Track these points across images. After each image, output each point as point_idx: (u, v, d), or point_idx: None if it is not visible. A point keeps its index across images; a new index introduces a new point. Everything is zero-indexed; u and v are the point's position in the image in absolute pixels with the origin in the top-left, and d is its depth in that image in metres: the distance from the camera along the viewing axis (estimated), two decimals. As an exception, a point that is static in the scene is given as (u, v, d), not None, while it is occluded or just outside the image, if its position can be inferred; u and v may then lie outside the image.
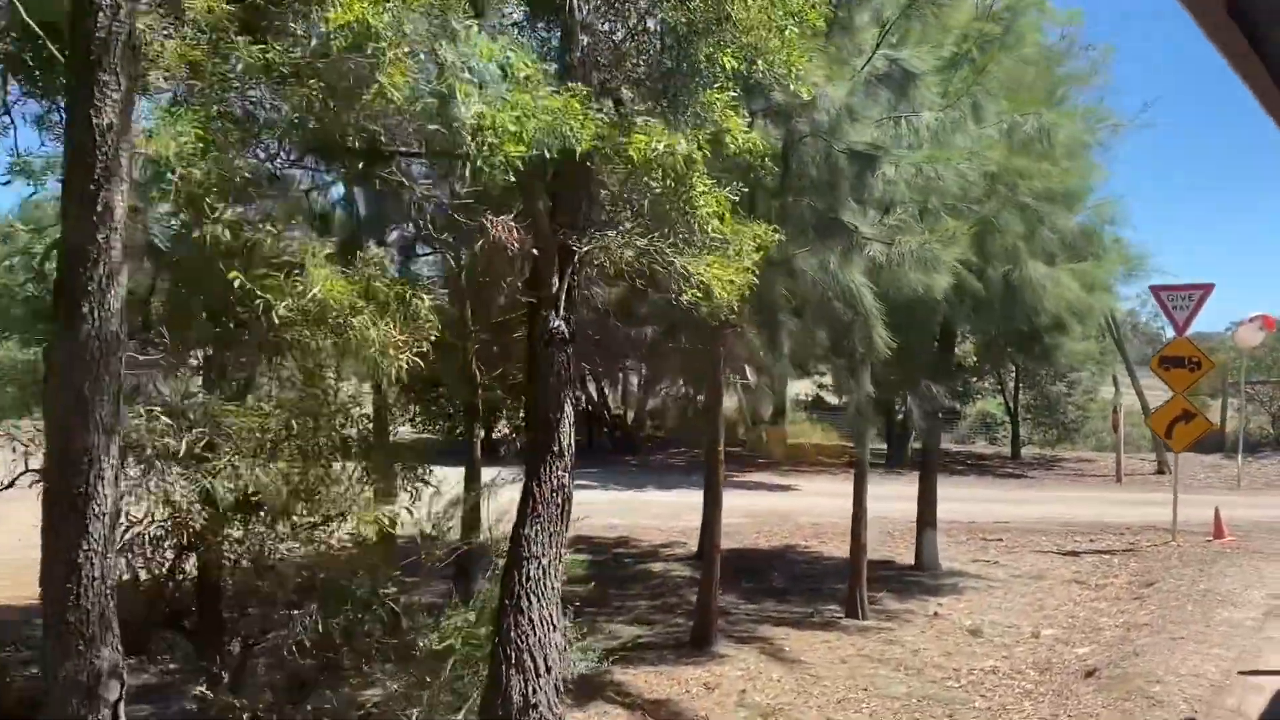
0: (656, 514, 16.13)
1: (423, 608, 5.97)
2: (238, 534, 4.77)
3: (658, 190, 5.29)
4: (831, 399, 31.15)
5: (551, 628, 4.93)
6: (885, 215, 8.86)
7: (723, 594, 10.64)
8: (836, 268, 7.84)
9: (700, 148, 5.26)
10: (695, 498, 18.30)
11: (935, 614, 10.16)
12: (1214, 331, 34.19)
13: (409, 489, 6.63)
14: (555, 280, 5.20)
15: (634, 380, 25.67)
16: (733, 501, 18.28)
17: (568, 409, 5.27)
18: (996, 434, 29.63)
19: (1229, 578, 11.21)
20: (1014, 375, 25.96)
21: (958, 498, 19.14)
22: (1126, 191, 65.20)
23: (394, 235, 7.98)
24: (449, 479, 7.88)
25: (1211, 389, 30.31)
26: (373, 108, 4.51)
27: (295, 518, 4.43)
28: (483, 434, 20.22)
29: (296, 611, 4.72)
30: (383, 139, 4.92)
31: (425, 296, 4.20)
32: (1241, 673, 7.90)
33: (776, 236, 7.13)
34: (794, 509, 16.98)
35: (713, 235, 5.51)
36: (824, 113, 7.70)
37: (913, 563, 12.41)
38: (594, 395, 24.00)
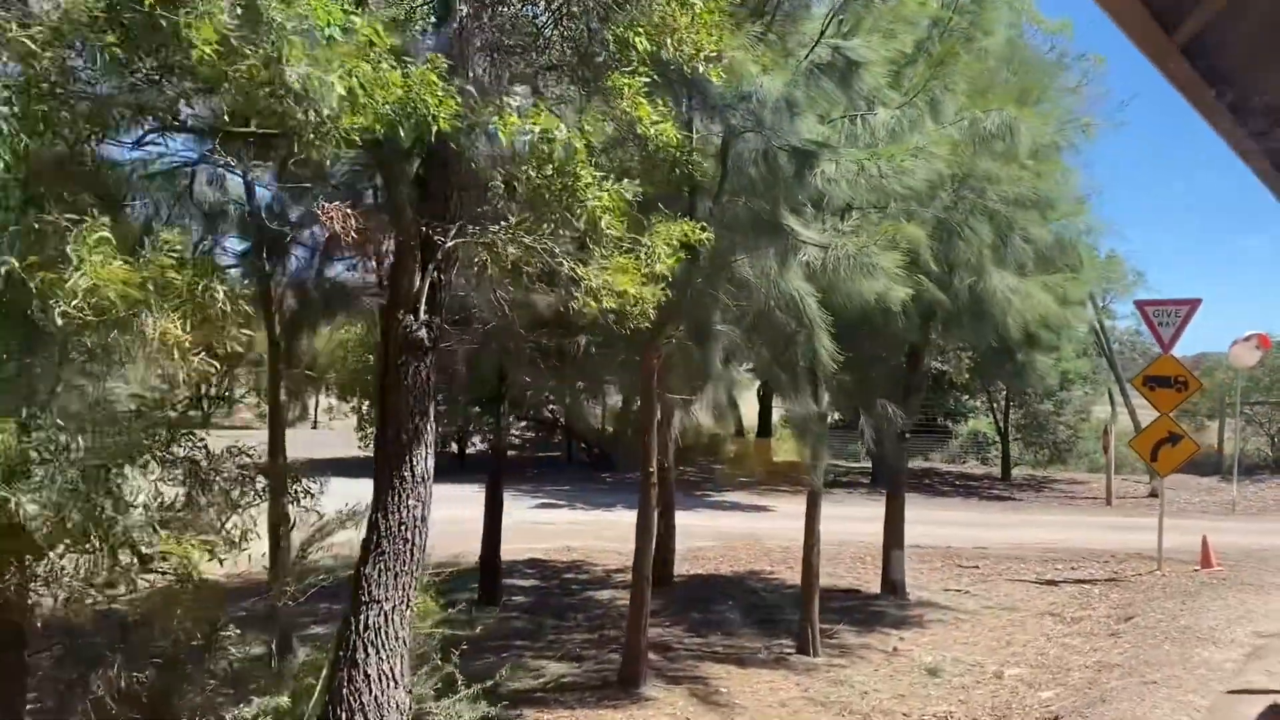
0: (619, 535, 15.37)
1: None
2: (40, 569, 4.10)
3: (536, 181, 4.64)
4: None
5: (393, 683, 4.25)
6: (840, 218, 8.26)
7: (669, 626, 9.97)
8: (776, 274, 7.19)
9: (585, 134, 4.60)
10: (680, 520, 17.64)
11: (894, 649, 9.45)
12: (1218, 351, 33.52)
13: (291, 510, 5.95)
14: (417, 278, 4.53)
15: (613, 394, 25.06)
16: (702, 523, 17.61)
17: (426, 428, 4.60)
18: (988, 454, 28.89)
19: (1212, 612, 10.49)
20: (1004, 393, 25.24)
21: (939, 520, 18.44)
22: (1124, 210, 64.60)
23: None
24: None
25: (1210, 410, 29.63)
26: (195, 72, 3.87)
27: (77, 553, 3.76)
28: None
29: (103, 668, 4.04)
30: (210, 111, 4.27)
31: (220, 286, 3.52)
32: (1230, 691, 7.78)
33: (704, 236, 6.52)
34: (766, 531, 16.27)
35: (612, 235, 4.85)
36: (764, 106, 7.08)
37: (879, 591, 11.69)
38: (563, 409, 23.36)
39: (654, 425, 7.78)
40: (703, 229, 6.47)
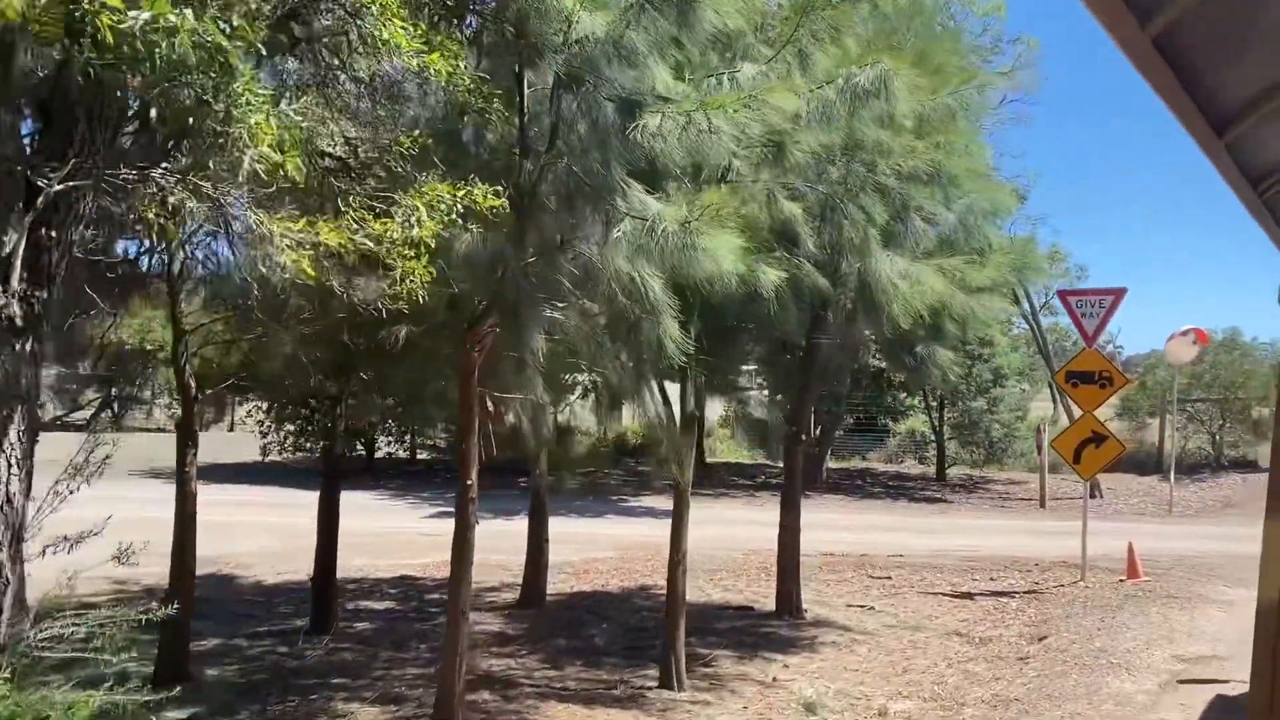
0: (516, 547, 14.20)
1: None
2: None
3: (186, 100, 3.44)
4: (758, 413, 29.42)
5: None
6: (696, 186, 7.16)
7: (525, 656, 8.81)
8: (609, 250, 6.04)
9: (243, 33, 3.40)
10: (584, 528, 16.48)
11: (773, 680, 8.34)
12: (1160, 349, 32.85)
13: None
14: (10, 235, 3.32)
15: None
16: (607, 531, 16.44)
17: (11, 429, 3.38)
18: (926, 453, 28.06)
19: (1132, 631, 9.51)
20: (938, 391, 24.35)
21: (861, 525, 17.44)
22: (1061, 203, 64.39)
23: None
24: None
25: (1152, 407, 28.98)
26: None
27: None
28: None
29: None
30: None
31: None
32: (1181, 681, 7.83)
33: (497, 203, 5.37)
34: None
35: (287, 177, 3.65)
36: (593, 50, 5.95)
37: (774, 609, 10.58)
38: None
39: (474, 429, 6.59)
40: (496, 195, 5.33)
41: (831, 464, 28.35)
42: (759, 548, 14.41)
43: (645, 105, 5.74)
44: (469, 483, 6.61)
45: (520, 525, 15.20)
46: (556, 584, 11.81)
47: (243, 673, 7.97)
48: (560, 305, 6.68)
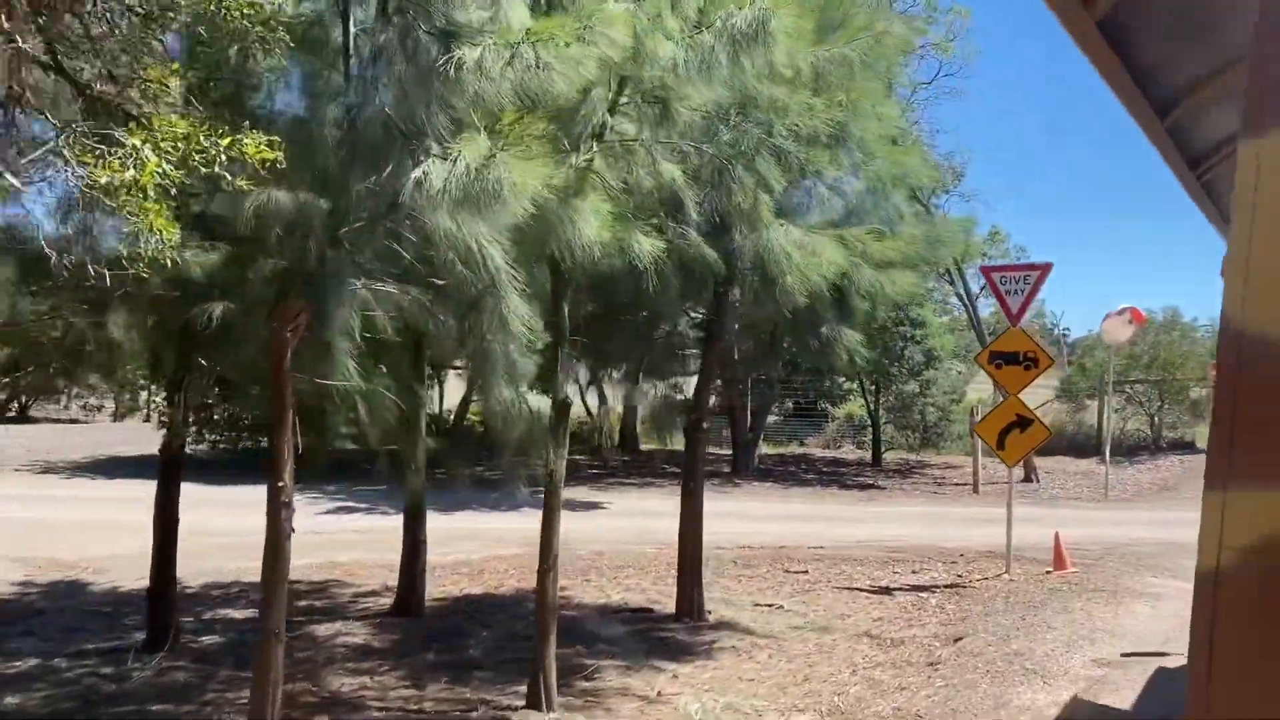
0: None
1: None
2: None
3: None
4: (642, 399, 28.65)
5: None
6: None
7: (386, 672, 7.94)
8: (429, 206, 5.13)
9: None
10: (494, 523, 15.54)
11: (658, 694, 7.54)
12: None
13: None
14: None
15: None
16: (515, 526, 15.41)
17: None
18: (864, 438, 27.50)
19: (1053, 631, 8.83)
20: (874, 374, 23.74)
21: (786, 514, 16.72)
22: (1003, 184, 64.43)
23: None
24: None
25: (1091, 389, 28.64)
26: None
27: None
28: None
29: None
30: None
31: None
32: (1124, 655, 7.92)
33: (272, 155, 4.47)
34: (586, 534, 14.31)
35: None
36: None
37: (674, 611, 9.78)
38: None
39: (287, 423, 5.67)
40: (270, 144, 4.42)
41: (768, 450, 27.71)
42: (674, 542, 13.65)
43: (458, 34, 4.85)
44: (281, 484, 5.69)
45: (431, 522, 14.34)
46: (446, 586, 10.94)
47: (48, 700, 7.00)
48: (385, 277, 5.80)
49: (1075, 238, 75.41)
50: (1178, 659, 7.27)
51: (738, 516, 16.26)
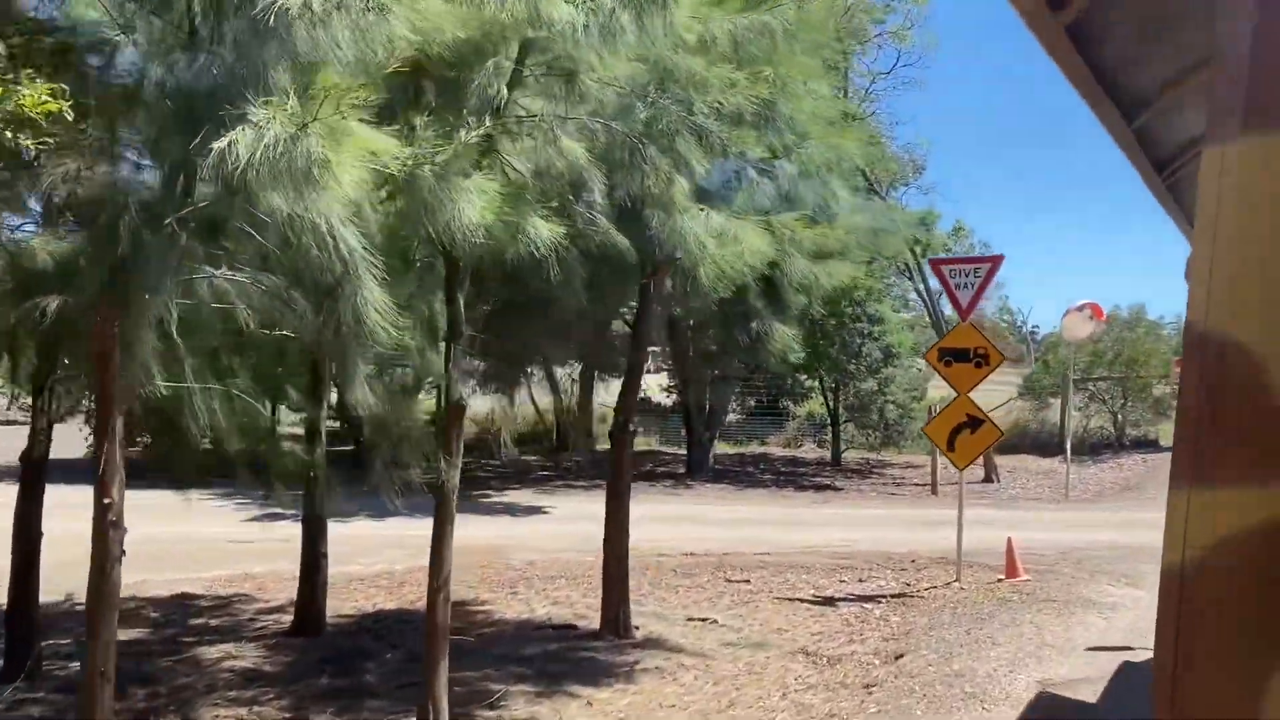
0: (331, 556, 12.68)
1: None
2: None
3: None
4: (663, 400, 28.02)
5: None
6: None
7: (270, 700, 7.24)
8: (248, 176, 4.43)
9: None
10: (424, 530, 14.74)
11: (565, 726, 6.88)
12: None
13: None
14: None
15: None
16: (456, 530, 14.84)
17: None
18: (825, 437, 26.96)
19: (999, 647, 8.26)
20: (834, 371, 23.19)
21: (734, 519, 16.08)
22: (968, 179, 64.36)
23: None
24: None
25: (1054, 386, 28.23)
26: None
27: None
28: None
29: None
30: None
31: None
32: (1089, 649, 8.14)
33: (56, 106, 3.78)
34: (523, 540, 13.65)
35: None
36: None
37: (599, 627, 9.12)
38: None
39: (112, 430, 4.96)
40: (54, 94, 3.73)
41: (727, 449, 27.15)
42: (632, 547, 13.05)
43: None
44: (108, 501, 4.97)
45: (346, 529, 13.64)
46: (359, 601, 10.24)
47: None
48: (240, 264, 5.11)
49: (1042, 234, 75.46)
50: (1143, 653, 7.59)
51: (688, 520, 15.65)
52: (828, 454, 24.86)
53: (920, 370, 23.82)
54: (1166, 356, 26.32)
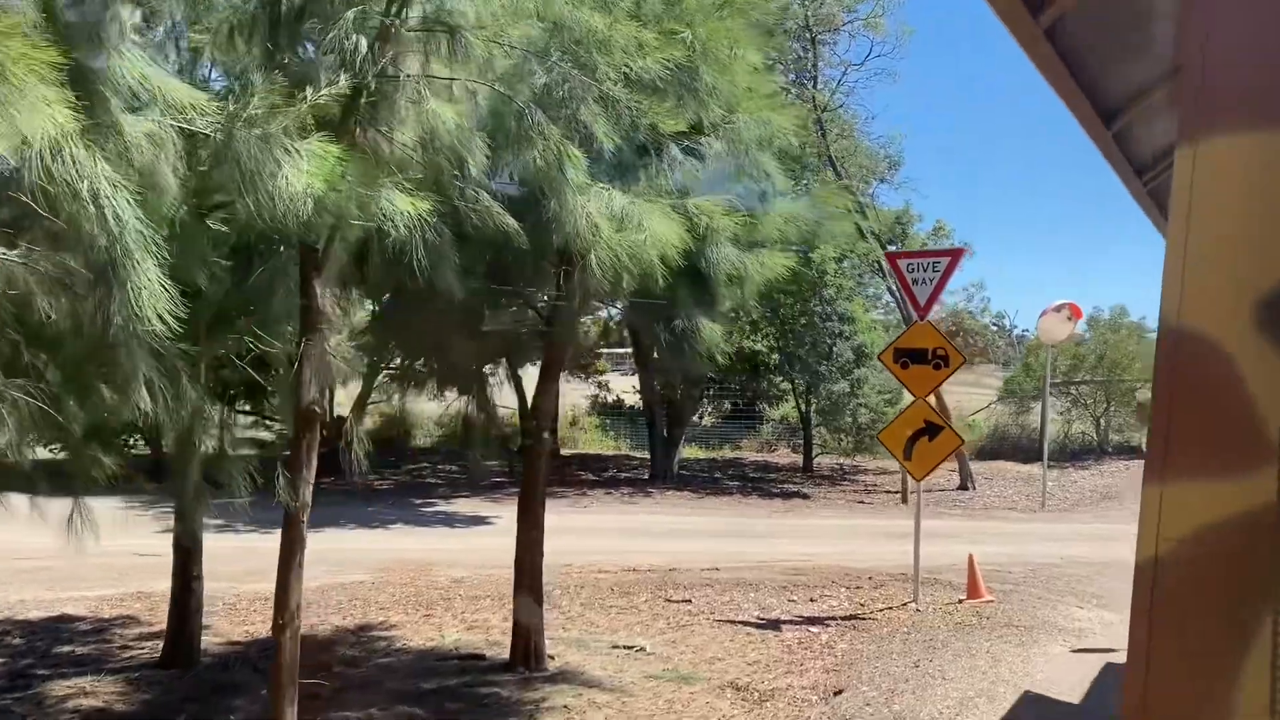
0: (235, 574, 11.79)
1: None
2: None
3: None
4: (637, 403, 27.11)
5: None
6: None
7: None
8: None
9: None
10: (351, 542, 13.87)
11: (443, 780, 5.97)
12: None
13: None
14: None
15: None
16: (385, 545, 13.86)
17: None
18: (800, 441, 26.10)
19: (949, 681, 7.38)
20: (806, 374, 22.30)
21: (690, 529, 15.17)
22: (950, 181, 63.70)
23: None
24: None
25: (1036, 390, 27.43)
26: None
27: None
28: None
29: None
30: None
31: None
32: (1074, 650, 8.21)
33: None
34: (456, 556, 12.74)
35: None
36: None
37: (510, 658, 8.20)
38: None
39: None
40: None
41: (699, 454, 26.31)
42: (556, 563, 12.16)
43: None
44: None
45: (264, 542, 12.69)
46: (253, 625, 9.32)
47: None
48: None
49: (1025, 236, 74.85)
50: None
51: (641, 532, 14.78)
52: (801, 459, 23.99)
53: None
54: (1149, 360, 25.56)
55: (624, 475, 21.69)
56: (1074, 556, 12.56)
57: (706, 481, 21.13)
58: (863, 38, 20.54)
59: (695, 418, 30.76)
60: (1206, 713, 1.90)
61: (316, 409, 5.71)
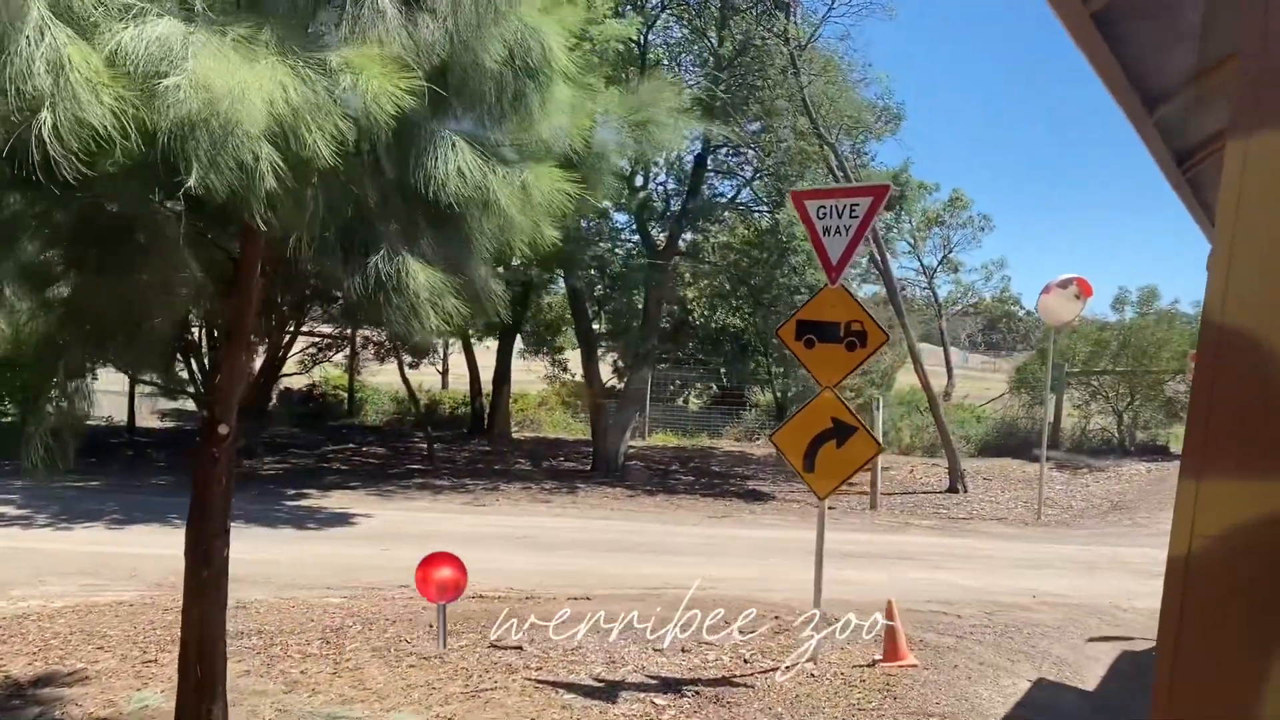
0: (59, 568, 9.55)
1: None
2: None
3: None
4: (615, 384, 24.59)
5: None
6: None
7: None
8: None
9: None
10: (153, 544, 11.20)
11: None
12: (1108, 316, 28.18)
13: None
14: None
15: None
16: (150, 547, 11.31)
17: None
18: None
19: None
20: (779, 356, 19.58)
21: (589, 541, 12.46)
22: (976, 154, 60.26)
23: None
24: None
25: (1054, 381, 24.53)
26: None
27: None
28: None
29: None
30: None
31: None
32: (1090, 640, 7.97)
33: None
34: (283, 566, 10.35)
35: None
36: None
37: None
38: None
39: None
40: None
41: (670, 441, 23.76)
42: (380, 582, 9.74)
43: None
44: None
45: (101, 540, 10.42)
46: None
47: None
48: None
49: (1049, 212, 71.56)
50: (1143, 643, 7.77)
51: (529, 543, 12.25)
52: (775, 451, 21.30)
53: (886, 351, 20.19)
54: (1181, 348, 22.42)
55: (566, 466, 19.15)
56: (1051, 593, 9.86)
57: (656, 475, 18.51)
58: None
59: (681, 401, 28.16)
60: (1234, 711, 1.87)
61: None
